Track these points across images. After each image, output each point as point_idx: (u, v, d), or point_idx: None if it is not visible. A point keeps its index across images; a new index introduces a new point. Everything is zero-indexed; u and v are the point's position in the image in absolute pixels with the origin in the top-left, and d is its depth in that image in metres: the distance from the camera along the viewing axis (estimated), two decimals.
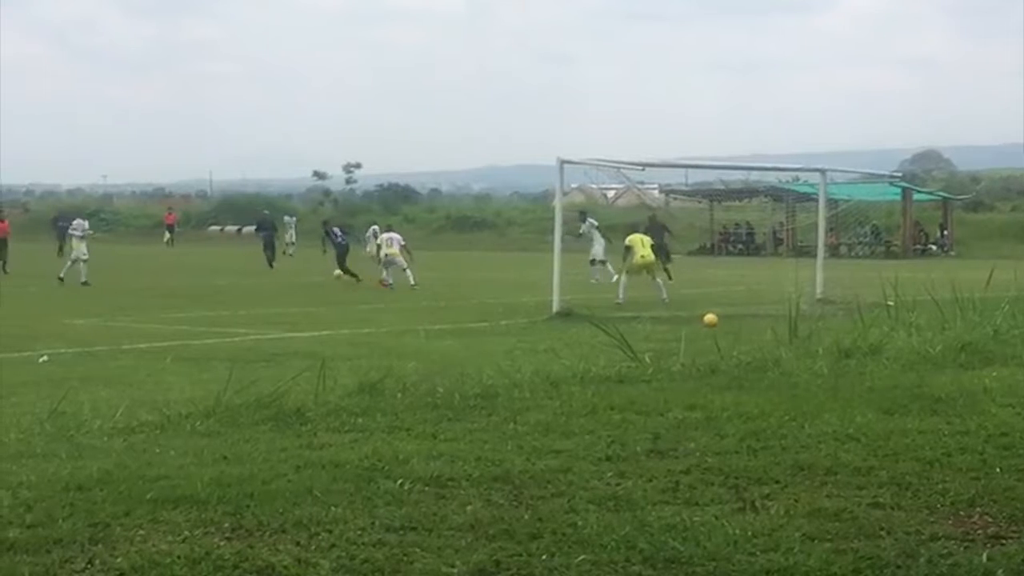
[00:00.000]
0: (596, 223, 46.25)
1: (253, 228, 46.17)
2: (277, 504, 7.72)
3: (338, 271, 43.15)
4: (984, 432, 9.97)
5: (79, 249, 43.31)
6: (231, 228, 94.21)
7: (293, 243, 60.39)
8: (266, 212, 60.95)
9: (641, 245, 34.39)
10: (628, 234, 35.58)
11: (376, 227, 48.85)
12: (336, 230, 45.94)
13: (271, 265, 52.02)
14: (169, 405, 11.99)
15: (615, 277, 38.12)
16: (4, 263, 49.50)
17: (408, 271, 40.52)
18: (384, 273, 41.33)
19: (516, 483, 8.38)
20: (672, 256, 40.47)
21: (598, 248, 44.64)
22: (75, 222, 45.82)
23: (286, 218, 57.64)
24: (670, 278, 38.51)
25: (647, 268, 34.53)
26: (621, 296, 33.19)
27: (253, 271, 43.30)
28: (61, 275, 42.49)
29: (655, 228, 41.78)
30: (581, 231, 45.89)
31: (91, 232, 44.76)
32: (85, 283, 41.64)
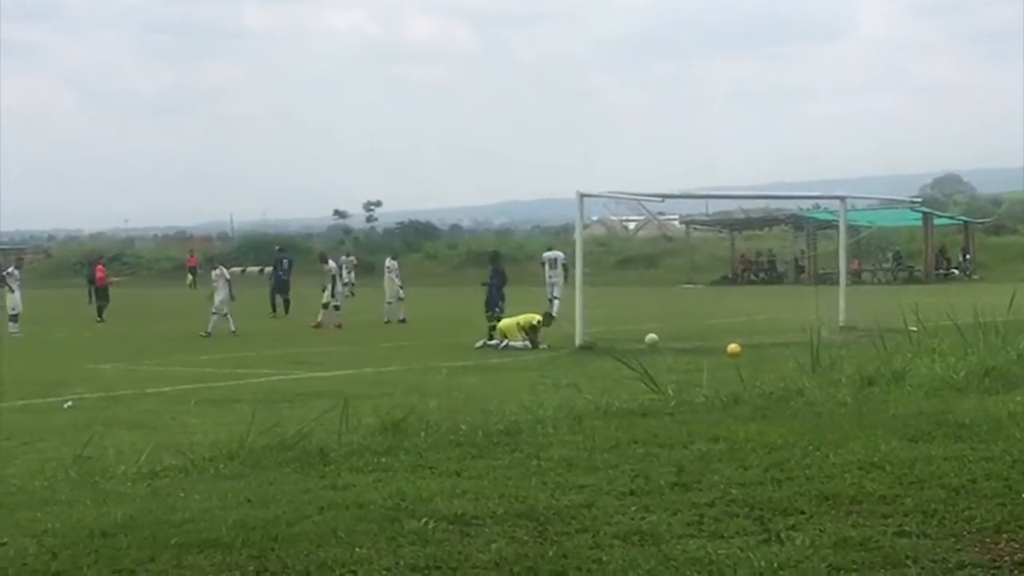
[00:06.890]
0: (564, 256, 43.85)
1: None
2: (301, 546, 7.74)
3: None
4: (1009, 458, 9.94)
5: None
6: (253, 269, 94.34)
7: (353, 283, 58.80)
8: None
9: None
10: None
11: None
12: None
13: (274, 309, 47.54)
14: (193, 448, 12.02)
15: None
16: (100, 310, 47.86)
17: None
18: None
19: (540, 519, 8.38)
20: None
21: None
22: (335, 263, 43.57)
23: (343, 258, 56.32)
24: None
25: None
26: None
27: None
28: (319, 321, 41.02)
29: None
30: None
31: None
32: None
